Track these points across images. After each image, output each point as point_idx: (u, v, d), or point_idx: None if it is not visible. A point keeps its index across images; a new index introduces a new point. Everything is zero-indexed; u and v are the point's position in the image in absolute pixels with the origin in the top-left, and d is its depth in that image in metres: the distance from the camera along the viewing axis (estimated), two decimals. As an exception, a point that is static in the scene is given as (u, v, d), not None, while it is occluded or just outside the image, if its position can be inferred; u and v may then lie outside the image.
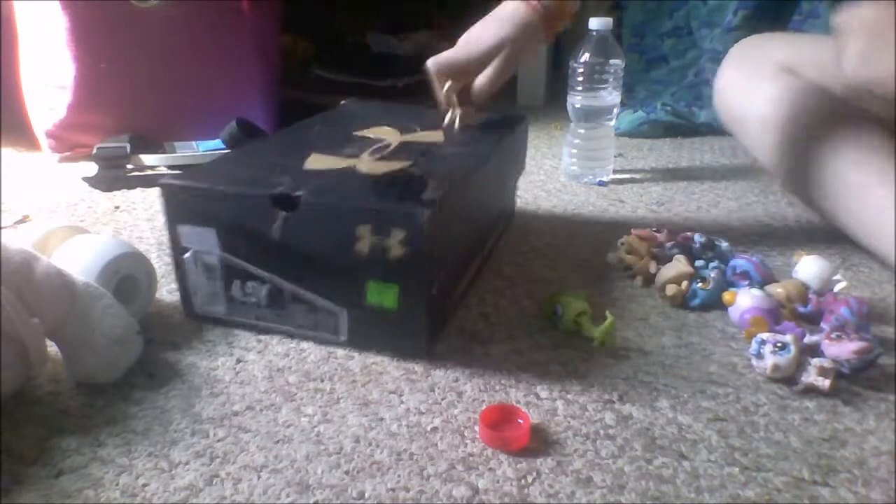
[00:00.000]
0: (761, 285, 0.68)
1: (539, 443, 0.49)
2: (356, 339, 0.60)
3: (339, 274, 0.58)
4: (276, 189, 0.57)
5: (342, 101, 0.93)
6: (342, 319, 0.60)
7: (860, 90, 0.75)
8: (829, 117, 0.82)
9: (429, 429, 0.51)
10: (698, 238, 0.76)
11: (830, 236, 0.85)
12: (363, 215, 0.55)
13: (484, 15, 0.77)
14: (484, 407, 0.53)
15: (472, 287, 0.72)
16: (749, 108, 0.94)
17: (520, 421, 0.51)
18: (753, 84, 0.92)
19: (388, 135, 0.75)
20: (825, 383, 0.54)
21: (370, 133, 0.76)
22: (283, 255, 0.58)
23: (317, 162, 0.65)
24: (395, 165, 0.63)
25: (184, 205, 0.60)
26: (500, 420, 0.51)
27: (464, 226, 0.66)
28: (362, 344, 0.60)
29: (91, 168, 1.06)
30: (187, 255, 0.62)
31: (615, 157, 1.13)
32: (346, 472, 0.46)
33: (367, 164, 0.64)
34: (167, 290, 0.70)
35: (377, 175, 0.62)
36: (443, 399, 0.54)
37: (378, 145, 0.71)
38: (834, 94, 0.84)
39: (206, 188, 0.59)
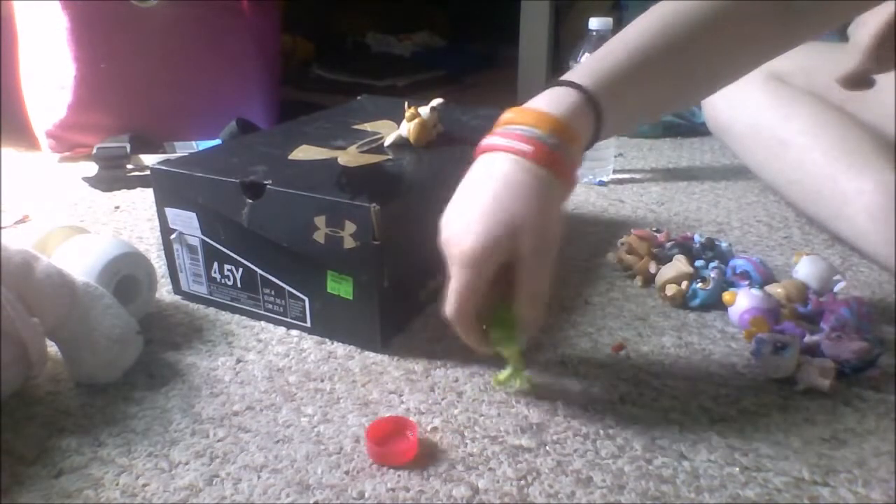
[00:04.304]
0: (761, 285, 0.68)
1: (539, 443, 0.49)
2: (319, 326, 0.62)
3: (302, 262, 0.60)
4: (248, 177, 0.60)
5: (359, 97, 0.94)
6: (307, 306, 0.62)
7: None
8: (822, 124, 0.82)
9: (429, 429, 0.51)
10: (698, 238, 0.76)
11: (830, 236, 0.85)
12: (319, 206, 0.57)
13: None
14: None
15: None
16: (738, 115, 0.94)
17: (409, 434, 0.49)
18: (742, 91, 0.92)
19: (386, 128, 0.75)
20: (825, 383, 0.54)
21: (368, 126, 0.77)
22: (253, 240, 0.61)
23: (303, 152, 0.68)
24: (373, 159, 0.64)
25: (169, 188, 0.64)
26: (390, 433, 0.49)
27: (434, 223, 0.66)
28: (325, 331, 0.62)
29: (91, 168, 1.06)
30: (173, 235, 0.66)
31: (615, 157, 1.13)
32: (346, 472, 0.46)
33: (347, 156, 0.65)
34: (167, 290, 0.70)
35: (353, 167, 0.63)
36: (443, 399, 0.54)
37: (369, 138, 0.71)
38: (825, 100, 0.84)
39: (186, 173, 0.63)
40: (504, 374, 0.54)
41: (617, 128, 0.52)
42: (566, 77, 0.49)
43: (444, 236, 0.47)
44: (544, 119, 0.46)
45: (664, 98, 0.53)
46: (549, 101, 0.47)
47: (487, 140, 0.49)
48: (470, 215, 0.46)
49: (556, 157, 0.46)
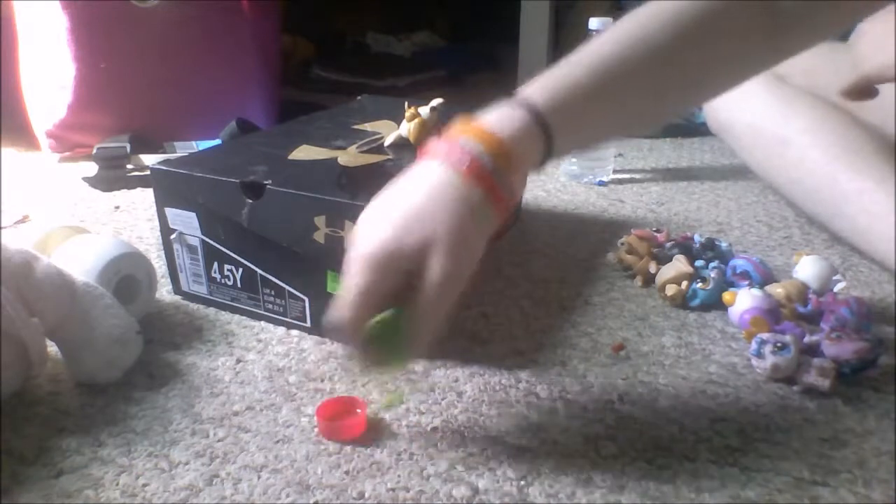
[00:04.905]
0: (761, 285, 0.68)
1: (539, 442, 0.49)
2: (319, 326, 0.62)
3: (302, 262, 0.60)
4: (248, 177, 0.60)
5: (359, 97, 0.94)
6: (307, 306, 0.62)
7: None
8: (822, 123, 0.82)
9: (429, 429, 0.51)
10: (698, 238, 0.76)
11: (830, 236, 0.85)
12: (319, 206, 0.57)
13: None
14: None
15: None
16: (738, 114, 0.94)
17: (358, 411, 0.51)
18: (743, 91, 0.92)
19: (386, 128, 0.75)
20: (825, 383, 0.54)
21: (368, 126, 0.77)
22: (253, 240, 0.61)
23: (303, 152, 0.68)
24: (373, 159, 0.64)
25: (169, 188, 0.64)
26: (339, 411, 0.51)
27: None
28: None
29: (91, 168, 1.06)
30: (173, 235, 0.66)
31: (615, 157, 1.13)
32: (346, 472, 0.46)
33: (347, 156, 0.65)
34: (167, 290, 0.70)
35: (353, 167, 0.63)
36: (443, 399, 0.54)
37: (369, 138, 0.71)
38: (826, 100, 0.84)
39: (186, 173, 0.63)
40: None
41: (574, 146, 0.50)
42: (523, 91, 0.46)
43: (356, 233, 0.45)
44: (488, 138, 0.43)
45: (631, 115, 0.50)
46: (498, 120, 0.44)
47: (431, 145, 0.46)
48: (385, 218, 0.43)
49: (492, 181, 0.43)
